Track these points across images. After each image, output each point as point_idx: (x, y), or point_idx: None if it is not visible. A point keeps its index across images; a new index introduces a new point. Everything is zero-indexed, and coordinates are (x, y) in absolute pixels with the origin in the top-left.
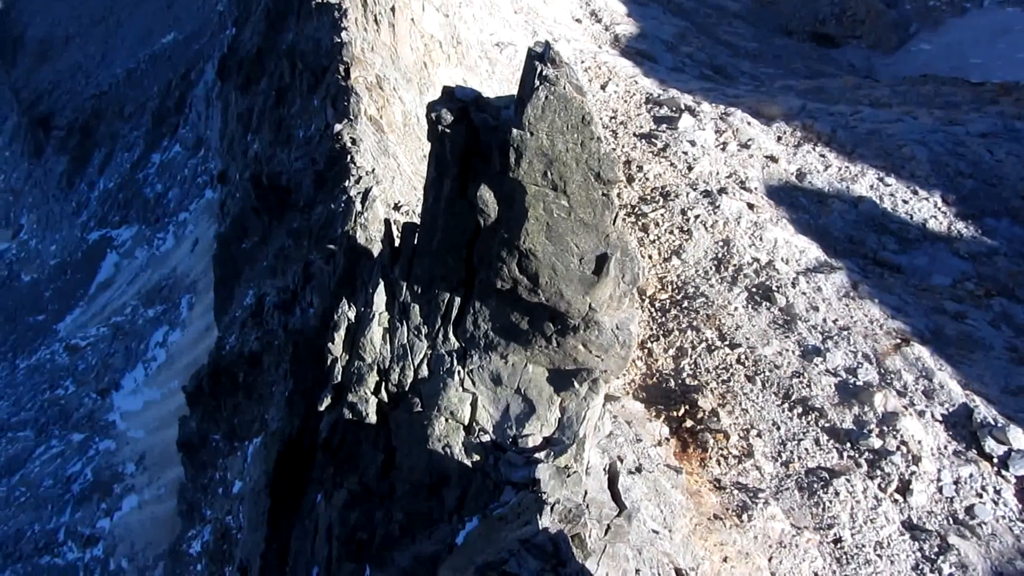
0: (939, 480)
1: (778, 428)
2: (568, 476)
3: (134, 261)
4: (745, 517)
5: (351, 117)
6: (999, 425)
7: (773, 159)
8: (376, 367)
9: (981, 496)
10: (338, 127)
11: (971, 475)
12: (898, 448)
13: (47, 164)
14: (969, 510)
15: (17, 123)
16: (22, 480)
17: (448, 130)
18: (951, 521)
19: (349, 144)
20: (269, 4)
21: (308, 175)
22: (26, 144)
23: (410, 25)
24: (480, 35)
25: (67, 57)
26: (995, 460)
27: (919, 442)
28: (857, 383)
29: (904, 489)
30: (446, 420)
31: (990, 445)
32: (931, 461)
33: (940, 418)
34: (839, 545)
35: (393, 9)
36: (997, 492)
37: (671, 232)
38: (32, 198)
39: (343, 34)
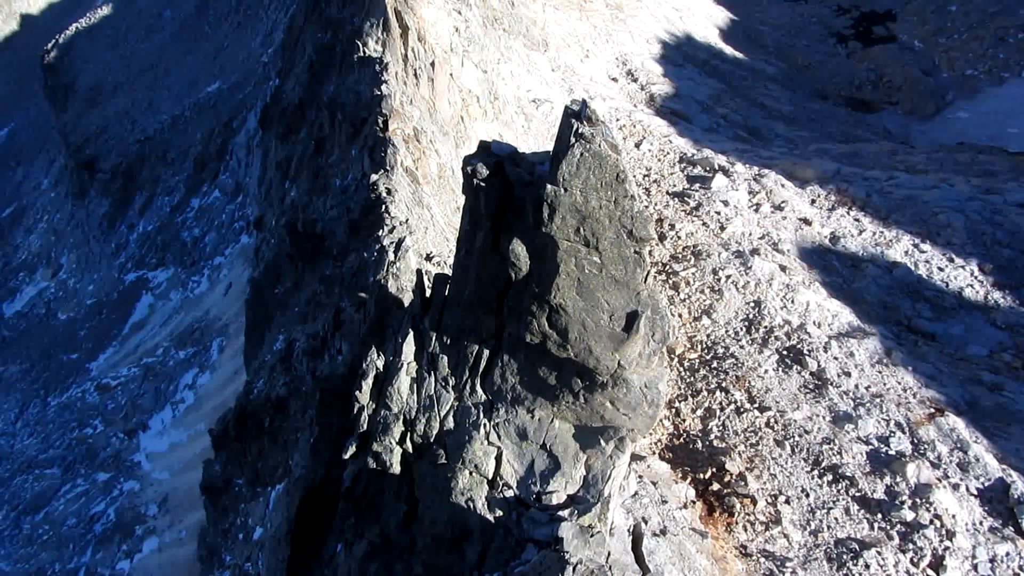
0: (974, 557)
1: (807, 495)
2: (592, 536)
3: (168, 303)
4: None
5: (387, 168)
6: None
7: (807, 222)
8: (402, 417)
9: None
10: (374, 177)
11: (1008, 553)
12: (931, 521)
13: (90, 206)
14: None
15: (63, 166)
16: (46, 518)
17: (483, 183)
18: None
19: (384, 194)
20: (312, 57)
21: (343, 223)
22: (71, 186)
23: (449, 80)
24: (517, 91)
25: (115, 103)
26: None
27: (953, 516)
28: (889, 452)
29: (937, 565)
30: (470, 473)
31: None
32: (966, 537)
33: (975, 492)
34: None
35: (433, 64)
36: None
37: (702, 292)
38: (73, 239)
39: (383, 87)
